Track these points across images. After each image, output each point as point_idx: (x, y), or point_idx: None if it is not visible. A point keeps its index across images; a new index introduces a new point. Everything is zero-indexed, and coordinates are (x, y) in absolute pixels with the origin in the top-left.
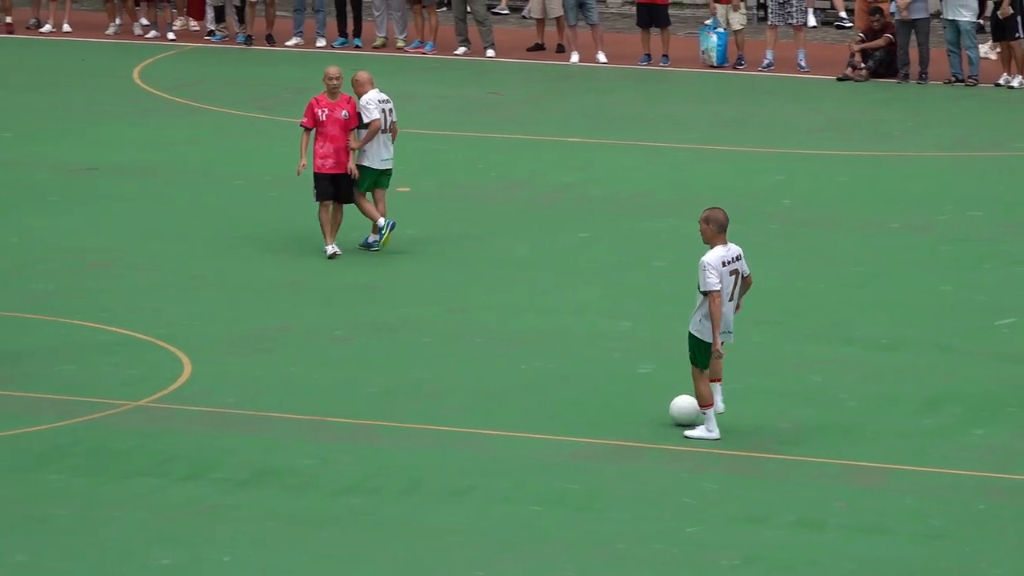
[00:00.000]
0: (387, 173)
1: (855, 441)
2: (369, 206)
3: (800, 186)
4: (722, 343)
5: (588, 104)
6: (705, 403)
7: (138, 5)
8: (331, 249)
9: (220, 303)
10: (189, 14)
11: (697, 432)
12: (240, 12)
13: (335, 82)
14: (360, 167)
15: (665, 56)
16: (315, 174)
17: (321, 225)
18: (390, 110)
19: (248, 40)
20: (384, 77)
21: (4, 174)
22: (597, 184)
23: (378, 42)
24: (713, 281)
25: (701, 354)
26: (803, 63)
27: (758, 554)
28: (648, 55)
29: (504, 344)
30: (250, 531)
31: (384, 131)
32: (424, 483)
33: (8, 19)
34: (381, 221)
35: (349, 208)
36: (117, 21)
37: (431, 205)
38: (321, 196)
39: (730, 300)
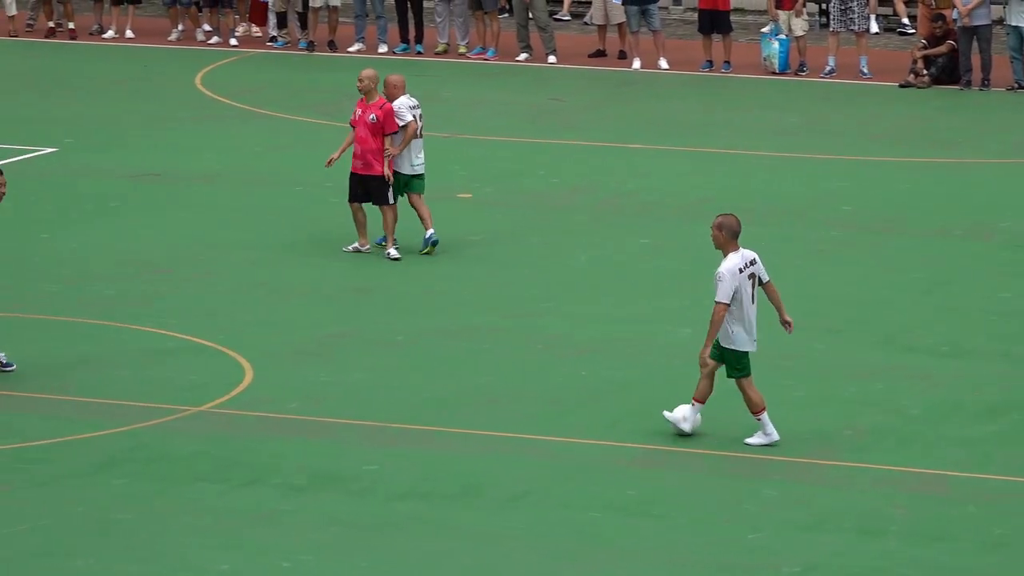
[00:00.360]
0: (419, 177)
1: (917, 448)
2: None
3: (862, 193)
4: (754, 349)
5: (650, 110)
6: (758, 410)
7: (200, 11)
8: (354, 247)
9: (282, 309)
10: (251, 20)
11: (755, 439)
12: (302, 18)
13: (361, 84)
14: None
15: (727, 62)
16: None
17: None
18: (420, 115)
19: (310, 46)
20: (446, 83)
21: (66, 181)
22: (658, 191)
23: (440, 48)
24: (726, 292)
25: (737, 364)
26: (865, 69)
27: (818, 561)
28: (710, 61)
29: (564, 351)
30: (309, 537)
31: (417, 136)
32: (483, 488)
33: (71, 25)
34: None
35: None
36: (180, 27)
37: (492, 211)
38: (351, 197)
39: (752, 303)
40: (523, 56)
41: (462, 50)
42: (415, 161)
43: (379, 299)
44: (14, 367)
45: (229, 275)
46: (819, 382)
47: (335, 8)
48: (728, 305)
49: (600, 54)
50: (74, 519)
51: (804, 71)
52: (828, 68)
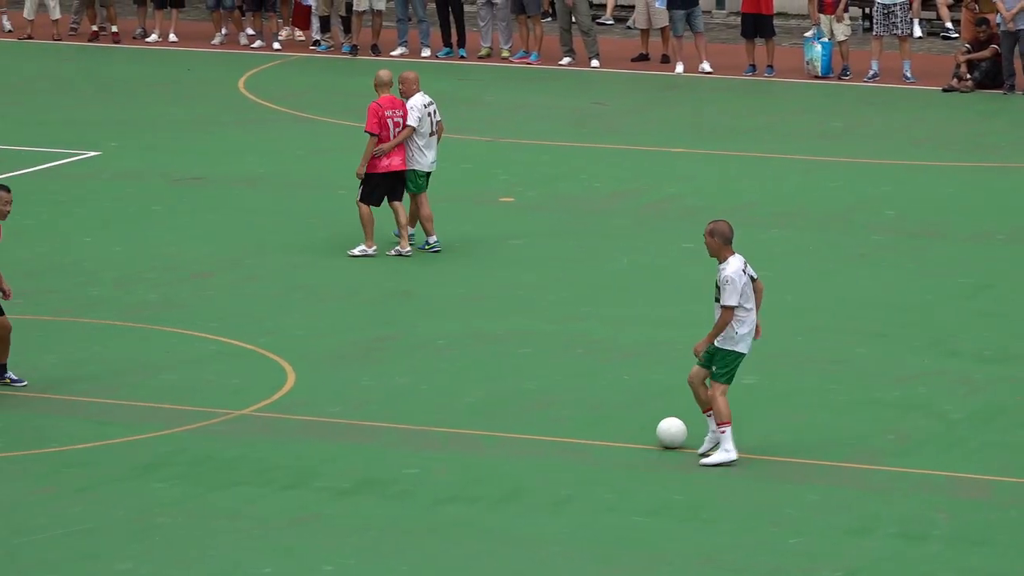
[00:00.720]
0: (428, 176)
1: (960, 453)
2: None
3: (905, 197)
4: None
5: (693, 114)
6: (723, 421)
7: (244, 15)
8: (396, 250)
9: (324, 313)
10: (295, 24)
11: (716, 457)
12: (346, 22)
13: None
14: (411, 171)
15: (770, 66)
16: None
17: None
18: (434, 111)
19: (353, 50)
20: (489, 87)
21: (110, 184)
22: (701, 195)
23: (483, 52)
24: (734, 296)
25: (728, 366)
26: (908, 74)
27: (861, 566)
28: (753, 65)
29: (607, 355)
30: (351, 540)
31: (431, 133)
32: (526, 493)
33: (114, 29)
34: (411, 232)
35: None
36: (223, 31)
37: (535, 215)
38: (380, 199)
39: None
40: (566, 60)
41: (505, 54)
42: (432, 158)
43: (420, 303)
44: (25, 383)
45: (271, 279)
46: (862, 386)
47: (379, 12)
48: (736, 308)
49: (643, 58)
50: (117, 522)
51: (847, 75)
52: (871, 72)
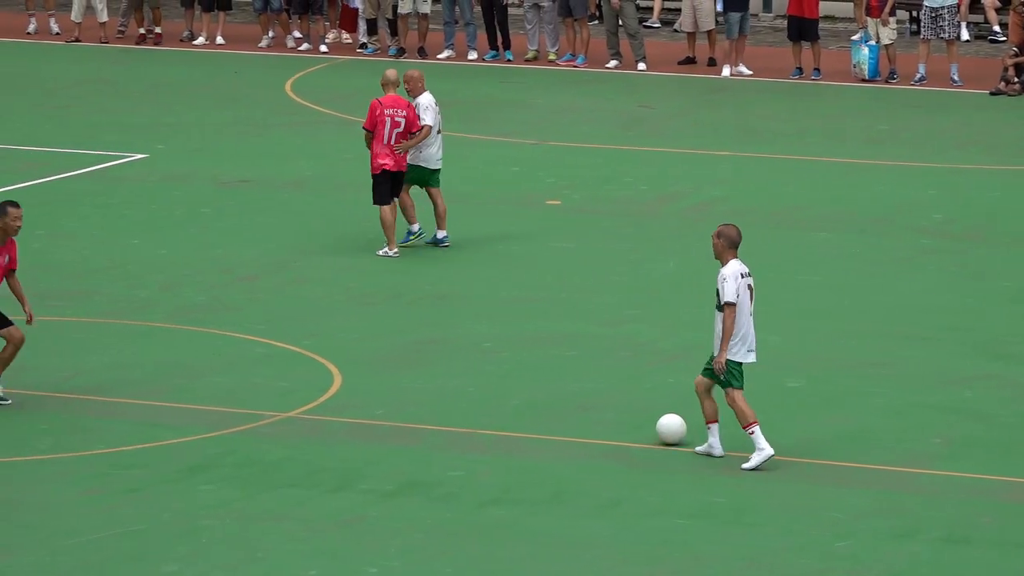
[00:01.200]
0: (438, 172)
1: (1006, 457)
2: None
3: (952, 200)
4: (751, 360)
5: (739, 117)
6: (748, 422)
7: (291, 17)
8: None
9: (370, 315)
10: (342, 27)
11: (751, 461)
12: (392, 25)
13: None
14: (420, 167)
15: (817, 69)
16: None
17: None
18: (439, 110)
19: (400, 53)
20: (535, 90)
21: (157, 187)
22: (747, 198)
23: (529, 55)
24: (731, 291)
25: (734, 373)
26: (956, 77)
27: (906, 570)
28: (799, 68)
29: (653, 358)
30: (396, 543)
31: (439, 131)
32: (570, 495)
33: (158, 30)
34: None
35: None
36: (270, 34)
37: (582, 218)
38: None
39: (749, 315)
40: (613, 63)
41: (552, 57)
42: (440, 155)
43: (466, 305)
44: (9, 402)
45: (318, 281)
46: (907, 390)
47: (424, 15)
48: (736, 305)
49: (689, 61)
50: (163, 524)
51: (894, 78)
52: (919, 76)
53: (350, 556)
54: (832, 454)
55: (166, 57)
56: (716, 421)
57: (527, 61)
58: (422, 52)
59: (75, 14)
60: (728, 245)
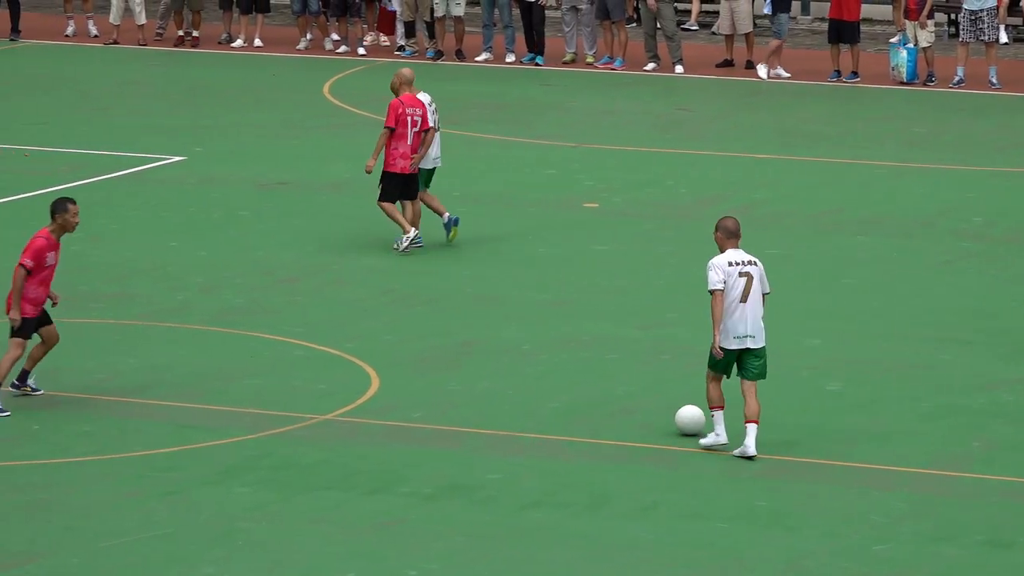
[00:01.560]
0: (433, 172)
1: None
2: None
3: (991, 203)
4: (736, 347)
5: (777, 120)
6: (713, 405)
7: (329, 20)
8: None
9: (408, 317)
10: (379, 29)
11: (708, 440)
12: (430, 27)
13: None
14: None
15: (854, 72)
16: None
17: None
18: (435, 110)
19: (438, 55)
20: (573, 93)
21: (196, 189)
22: (786, 201)
23: (567, 58)
24: (715, 279)
25: (712, 356)
26: (994, 80)
27: (947, 573)
28: (838, 71)
29: (693, 361)
30: (436, 546)
31: (437, 130)
32: (610, 499)
33: (195, 33)
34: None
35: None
36: (308, 36)
37: (619, 221)
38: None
39: (742, 301)
40: (651, 66)
41: (589, 60)
42: (436, 154)
43: (504, 307)
44: (41, 392)
45: (356, 283)
46: (947, 393)
47: (458, 18)
48: (721, 292)
49: (727, 64)
50: (200, 527)
51: (932, 81)
52: (957, 78)
53: (388, 559)
54: (871, 457)
55: (204, 59)
56: (722, 407)
57: (565, 64)
58: (460, 55)
59: (113, 16)
60: (727, 236)
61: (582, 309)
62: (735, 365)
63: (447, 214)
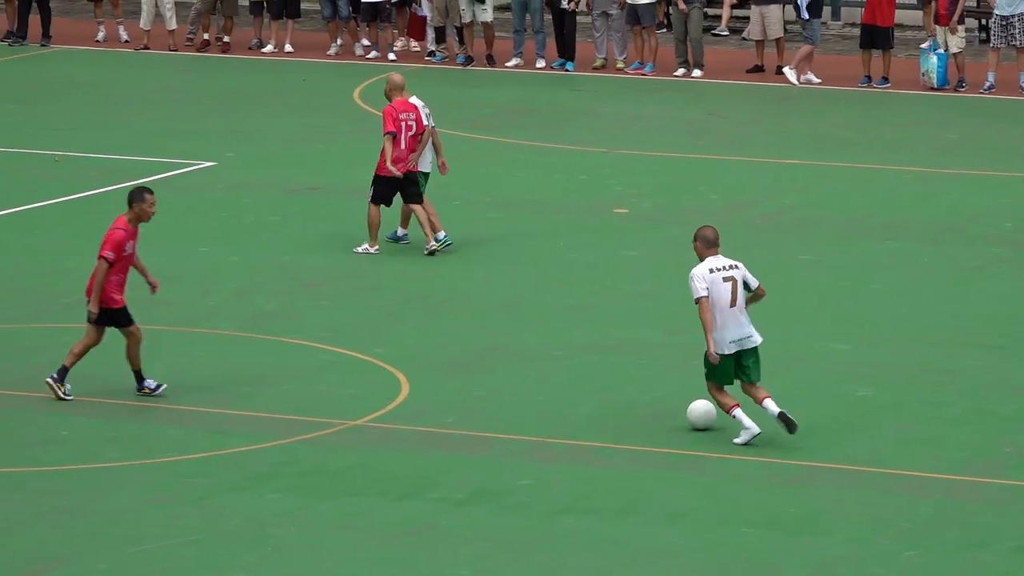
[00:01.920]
0: (427, 175)
1: None
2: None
3: (1022, 209)
4: (734, 351)
5: (808, 126)
6: (728, 408)
7: (359, 26)
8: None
9: (438, 323)
10: (409, 35)
11: (741, 438)
12: (460, 33)
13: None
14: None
15: (885, 78)
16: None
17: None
18: (429, 114)
19: (467, 60)
20: (604, 98)
21: (226, 195)
22: (816, 206)
23: (597, 63)
24: (699, 287)
25: (708, 365)
26: None
27: None
28: (868, 76)
29: None
30: (466, 551)
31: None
32: (640, 505)
33: (226, 38)
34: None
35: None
36: (338, 41)
37: (650, 226)
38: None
39: (732, 306)
40: (681, 71)
41: (620, 65)
42: (430, 158)
43: (534, 313)
44: (164, 386)
45: (385, 289)
46: (977, 399)
47: (488, 24)
48: (707, 299)
49: (758, 69)
50: (229, 533)
51: (963, 87)
52: (987, 84)
53: (418, 565)
54: (901, 463)
55: (235, 65)
56: (737, 405)
57: (595, 69)
58: (491, 60)
59: (144, 22)
60: (706, 245)
61: (611, 314)
62: (736, 370)
63: (402, 230)
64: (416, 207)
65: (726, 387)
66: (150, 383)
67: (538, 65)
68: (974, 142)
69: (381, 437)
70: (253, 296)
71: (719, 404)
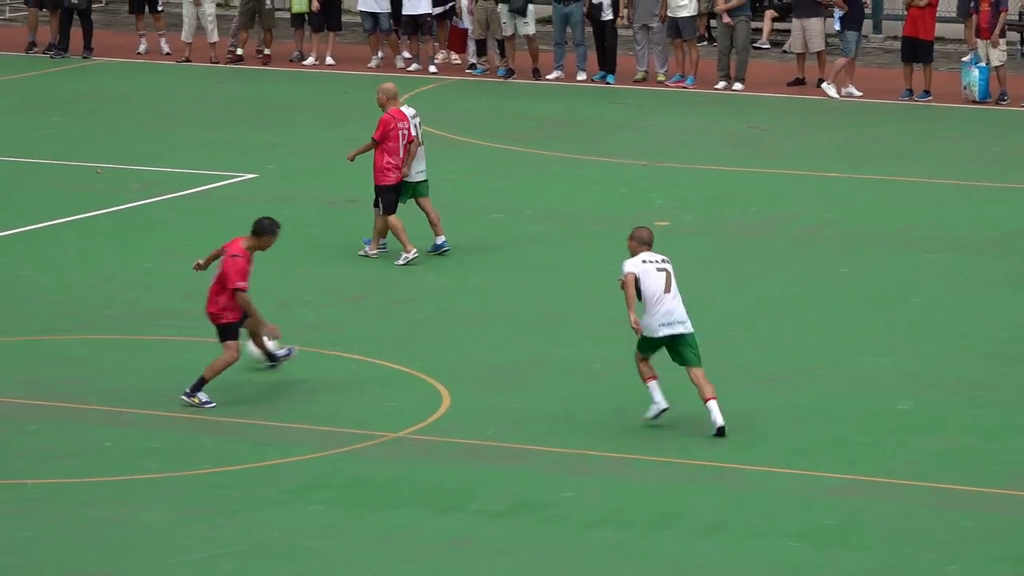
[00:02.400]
0: (425, 183)
1: None
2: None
3: None
4: (666, 334)
5: (849, 139)
6: (646, 378)
7: (400, 38)
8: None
9: (478, 335)
10: (450, 48)
11: (650, 412)
12: (501, 45)
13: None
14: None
15: (926, 91)
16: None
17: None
18: (419, 123)
19: (509, 73)
20: (645, 111)
21: (266, 207)
22: (857, 219)
23: (638, 76)
24: (628, 267)
25: (641, 341)
26: None
27: None
28: (910, 90)
29: (761, 379)
30: (503, 563)
31: (419, 144)
32: (677, 517)
33: (267, 51)
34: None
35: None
36: (379, 54)
37: (690, 239)
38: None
39: (666, 292)
40: (722, 84)
41: (661, 78)
42: (420, 168)
43: (574, 325)
44: (212, 405)
45: (425, 301)
46: (1017, 412)
47: (530, 36)
48: (631, 278)
49: (799, 82)
50: (270, 545)
51: (1005, 100)
52: None
53: None
54: (940, 476)
55: (275, 77)
56: (655, 378)
57: (636, 82)
58: (536, 73)
59: (185, 34)
60: (639, 244)
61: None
62: (674, 356)
63: (440, 238)
64: (392, 218)
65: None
66: (202, 396)
67: (579, 78)
68: (1016, 155)
69: (423, 449)
70: (293, 308)
71: (639, 373)
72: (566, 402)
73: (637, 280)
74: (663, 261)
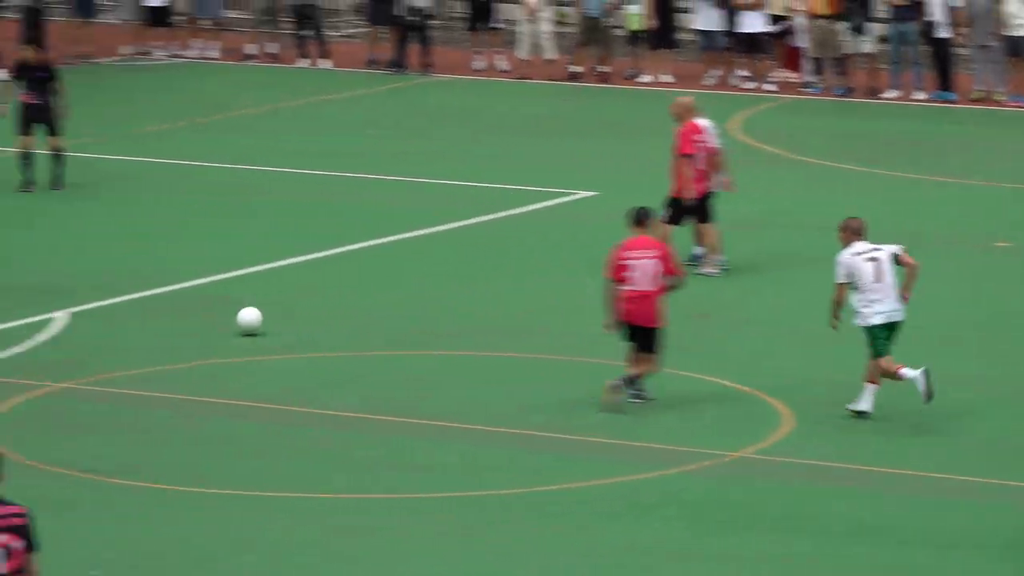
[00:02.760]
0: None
1: None
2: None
3: None
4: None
5: None
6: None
7: (736, 56)
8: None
9: (818, 355)
10: (786, 66)
11: (859, 404)
12: (838, 63)
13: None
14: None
15: None
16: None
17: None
18: (718, 134)
19: (847, 92)
20: (982, 130)
21: (608, 225)
22: None
23: (975, 95)
24: (840, 274)
25: (866, 337)
26: None
27: None
28: None
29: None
30: None
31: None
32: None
33: (605, 69)
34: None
35: None
36: (715, 71)
37: None
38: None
39: (876, 281)
40: None
41: (999, 97)
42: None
43: (906, 343)
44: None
45: (764, 322)
46: None
47: (869, 55)
48: (845, 285)
49: None
50: (606, 562)
51: None
52: None
53: None
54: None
55: (612, 95)
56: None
57: (973, 101)
58: (873, 92)
59: (523, 52)
60: (852, 233)
61: (978, 347)
62: None
63: (699, 249)
64: (708, 227)
65: None
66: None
67: (916, 97)
68: None
69: (761, 470)
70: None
71: (874, 373)
72: (910, 421)
73: (852, 274)
74: (875, 250)
